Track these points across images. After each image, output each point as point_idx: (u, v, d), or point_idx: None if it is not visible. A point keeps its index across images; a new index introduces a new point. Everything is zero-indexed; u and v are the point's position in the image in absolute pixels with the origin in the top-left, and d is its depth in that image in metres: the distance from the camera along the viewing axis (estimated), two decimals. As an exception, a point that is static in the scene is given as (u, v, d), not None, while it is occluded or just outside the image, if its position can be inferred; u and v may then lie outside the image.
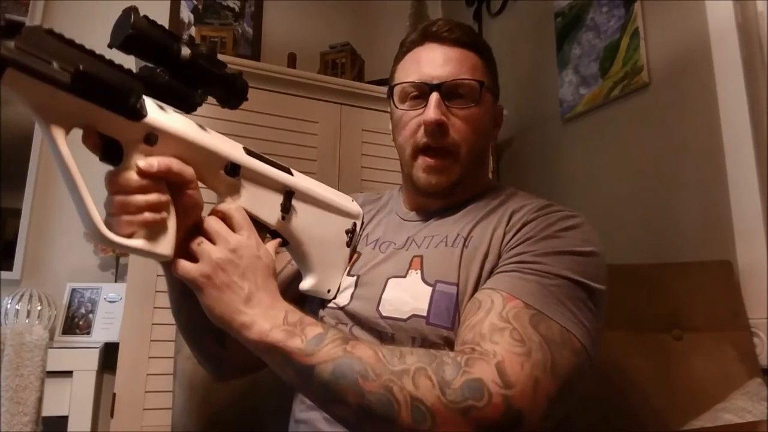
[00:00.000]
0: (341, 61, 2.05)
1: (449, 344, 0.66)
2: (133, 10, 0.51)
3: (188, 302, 0.69)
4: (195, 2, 2.25)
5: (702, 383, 1.06)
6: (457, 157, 0.77)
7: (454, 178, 0.78)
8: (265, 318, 0.58)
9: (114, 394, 1.39)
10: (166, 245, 0.56)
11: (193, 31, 2.12)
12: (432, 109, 0.74)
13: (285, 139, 1.67)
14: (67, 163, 0.49)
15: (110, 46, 0.52)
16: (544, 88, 2.00)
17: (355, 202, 0.82)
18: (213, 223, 0.60)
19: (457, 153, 0.77)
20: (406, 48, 0.83)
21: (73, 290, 1.85)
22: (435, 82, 0.76)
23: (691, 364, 1.09)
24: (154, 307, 1.46)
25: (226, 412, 0.95)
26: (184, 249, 0.59)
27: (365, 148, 1.80)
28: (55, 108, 0.47)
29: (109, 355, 1.66)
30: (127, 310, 1.47)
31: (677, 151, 1.46)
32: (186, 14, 2.23)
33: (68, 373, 1.55)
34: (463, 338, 0.61)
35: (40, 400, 1.09)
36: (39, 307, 1.74)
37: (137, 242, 0.54)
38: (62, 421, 1.52)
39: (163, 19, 2.18)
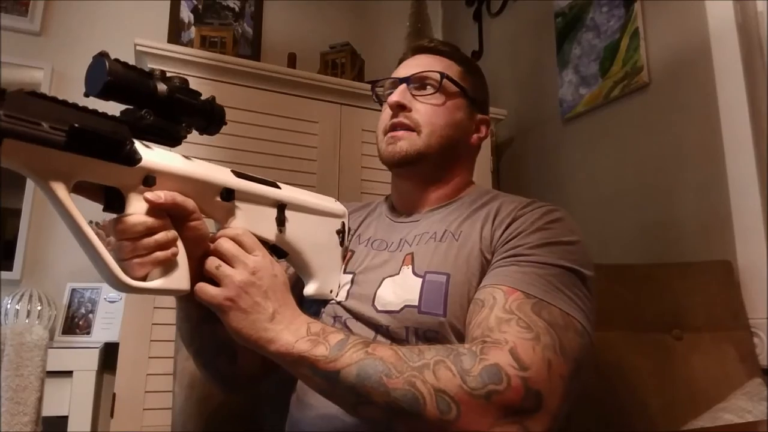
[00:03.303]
0: (341, 61, 2.05)
1: (444, 330, 0.69)
2: (105, 56, 0.50)
3: (203, 328, 0.71)
4: (195, 2, 2.25)
5: (702, 383, 1.06)
6: (419, 131, 0.82)
7: (416, 148, 0.82)
8: (290, 332, 0.60)
9: (114, 394, 1.39)
10: (182, 279, 0.58)
11: (193, 31, 2.11)
12: (395, 93, 0.83)
13: (285, 139, 1.67)
14: (76, 219, 0.49)
15: (87, 95, 0.51)
16: (544, 88, 2.00)
17: (337, 201, 0.85)
18: (229, 247, 0.62)
19: (419, 128, 0.82)
20: (398, 64, 0.92)
21: (73, 290, 1.84)
22: (404, 76, 0.85)
23: (691, 364, 1.09)
24: (154, 307, 1.46)
25: (226, 412, 0.95)
26: (198, 275, 0.61)
27: (365, 148, 1.79)
28: (53, 168, 0.47)
29: (109, 355, 1.65)
30: (127, 310, 1.46)
31: (677, 151, 1.46)
32: (186, 14, 2.23)
33: (68, 373, 1.55)
34: (472, 335, 0.63)
35: (40, 400, 1.09)
36: (39, 307, 1.74)
37: (155, 283, 0.55)
38: (62, 421, 1.52)
39: (163, 19, 2.18)
